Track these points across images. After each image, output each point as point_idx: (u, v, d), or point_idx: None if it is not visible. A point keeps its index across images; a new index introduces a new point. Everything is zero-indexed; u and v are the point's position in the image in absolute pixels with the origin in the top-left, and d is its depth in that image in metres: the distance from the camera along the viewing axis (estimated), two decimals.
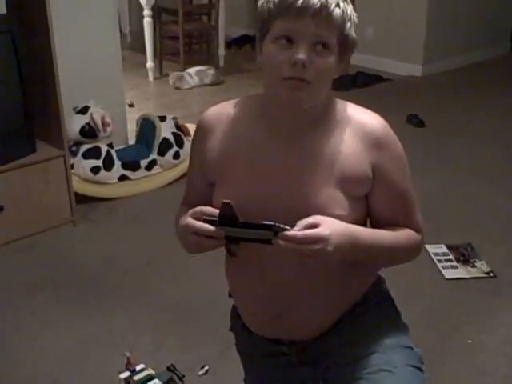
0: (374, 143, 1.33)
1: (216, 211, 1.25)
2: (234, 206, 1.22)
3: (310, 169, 1.32)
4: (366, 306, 1.45)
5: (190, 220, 1.28)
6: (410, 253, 1.43)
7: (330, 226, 1.21)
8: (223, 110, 1.43)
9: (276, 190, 1.32)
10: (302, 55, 1.22)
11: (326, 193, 1.30)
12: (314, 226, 1.20)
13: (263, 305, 1.41)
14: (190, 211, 1.30)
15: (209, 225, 1.25)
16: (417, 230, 1.42)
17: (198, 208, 1.29)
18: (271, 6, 1.26)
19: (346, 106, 1.38)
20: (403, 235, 1.38)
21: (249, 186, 1.34)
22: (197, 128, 1.46)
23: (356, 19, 1.29)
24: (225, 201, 1.23)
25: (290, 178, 1.33)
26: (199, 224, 1.26)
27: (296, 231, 1.19)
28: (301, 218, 1.23)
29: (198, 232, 1.27)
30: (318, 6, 1.21)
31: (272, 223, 1.19)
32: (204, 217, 1.27)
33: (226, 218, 1.23)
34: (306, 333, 1.44)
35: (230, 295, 1.55)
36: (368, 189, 1.35)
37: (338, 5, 1.24)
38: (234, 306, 1.58)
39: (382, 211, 1.39)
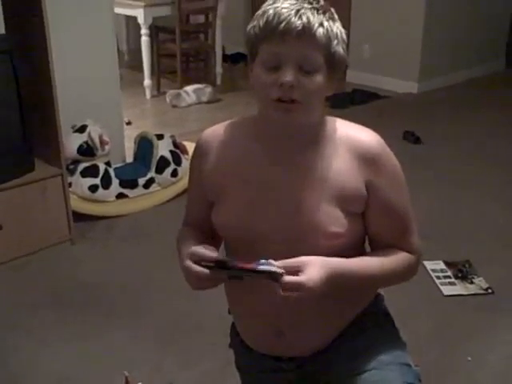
0: (368, 159, 1.33)
1: (212, 255, 1.28)
2: (228, 261, 1.26)
3: (306, 187, 1.33)
4: (365, 323, 1.45)
5: (189, 264, 1.29)
6: (403, 275, 1.42)
7: (312, 275, 1.21)
8: (220, 131, 1.44)
9: (273, 209, 1.33)
10: (289, 77, 1.23)
11: (323, 210, 1.31)
12: (299, 269, 1.21)
13: (264, 323, 1.41)
14: (189, 251, 1.31)
15: (208, 270, 1.27)
16: (412, 251, 1.40)
17: (195, 250, 1.30)
18: (257, 30, 1.27)
19: (339, 123, 1.39)
20: (394, 260, 1.37)
21: (246, 205, 1.35)
22: (195, 148, 1.48)
23: (344, 36, 1.30)
24: (218, 258, 1.27)
25: (287, 197, 1.33)
26: (199, 269, 1.28)
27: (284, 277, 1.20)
28: (298, 237, 1.26)
29: (198, 277, 1.28)
30: (301, 27, 1.22)
31: (267, 270, 1.20)
32: (202, 262, 1.28)
33: (223, 263, 1.26)
34: (306, 349, 1.44)
35: (229, 312, 1.55)
36: (363, 205, 1.35)
37: (321, 24, 1.24)
38: (233, 323, 1.58)
39: (376, 229, 1.39)
